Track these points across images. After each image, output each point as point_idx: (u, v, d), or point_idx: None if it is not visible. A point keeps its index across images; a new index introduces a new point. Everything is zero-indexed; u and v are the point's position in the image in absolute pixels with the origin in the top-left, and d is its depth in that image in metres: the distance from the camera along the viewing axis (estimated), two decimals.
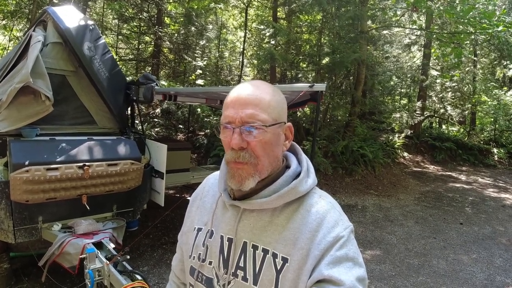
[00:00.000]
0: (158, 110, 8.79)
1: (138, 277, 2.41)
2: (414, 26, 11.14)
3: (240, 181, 0.82)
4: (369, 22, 10.47)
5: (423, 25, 11.42)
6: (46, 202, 3.11)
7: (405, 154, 11.96)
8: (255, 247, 0.83)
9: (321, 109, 11.08)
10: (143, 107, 8.66)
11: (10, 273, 3.41)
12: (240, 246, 0.85)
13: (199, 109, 8.67)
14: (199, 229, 0.95)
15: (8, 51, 11.67)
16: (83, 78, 3.63)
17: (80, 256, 2.64)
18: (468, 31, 7.75)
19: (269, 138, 0.81)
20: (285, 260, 0.79)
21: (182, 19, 10.72)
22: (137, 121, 4.69)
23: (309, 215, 0.82)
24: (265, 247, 0.81)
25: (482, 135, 14.73)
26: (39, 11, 5.04)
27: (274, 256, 0.80)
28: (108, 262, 2.52)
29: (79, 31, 3.44)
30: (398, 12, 10.80)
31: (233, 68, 13.89)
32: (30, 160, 2.92)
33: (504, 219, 6.62)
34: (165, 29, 10.64)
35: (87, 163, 3.16)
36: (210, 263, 0.88)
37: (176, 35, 10.77)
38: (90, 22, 3.64)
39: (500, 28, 5.96)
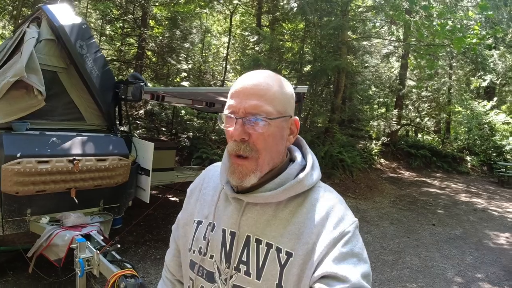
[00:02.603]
0: (141, 112, 8.83)
1: (128, 265, 2.51)
2: (393, 38, 11.64)
3: (240, 178, 0.81)
4: (349, 33, 10.88)
5: (401, 36, 11.95)
6: (35, 195, 3.17)
7: (382, 160, 12.40)
8: (258, 241, 0.81)
9: (302, 116, 11.38)
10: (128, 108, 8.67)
11: None
12: (243, 240, 0.83)
13: (183, 111, 8.78)
14: (199, 222, 0.93)
15: None
16: (73, 75, 3.70)
17: (71, 246, 2.72)
18: (444, 44, 8.21)
19: (272, 131, 0.79)
20: (289, 254, 0.78)
21: (166, 22, 10.83)
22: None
23: (314, 210, 0.81)
24: (269, 241, 0.80)
25: (456, 144, 15.40)
26: (33, 9, 5.07)
27: (278, 250, 0.79)
28: (98, 252, 2.62)
29: (73, 29, 3.54)
30: (377, 24, 11.27)
31: (216, 73, 14.05)
32: (21, 152, 2.98)
33: (475, 221, 7.00)
34: (149, 31, 10.71)
35: (77, 157, 3.25)
36: (212, 256, 0.87)
37: (160, 38, 10.85)
38: (83, 21, 3.74)
39: (474, 40, 6.39)
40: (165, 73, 11.21)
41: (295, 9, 8.50)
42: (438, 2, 10.17)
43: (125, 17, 10.58)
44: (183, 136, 9.21)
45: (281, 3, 10.09)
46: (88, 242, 2.76)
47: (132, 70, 10.89)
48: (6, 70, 3.28)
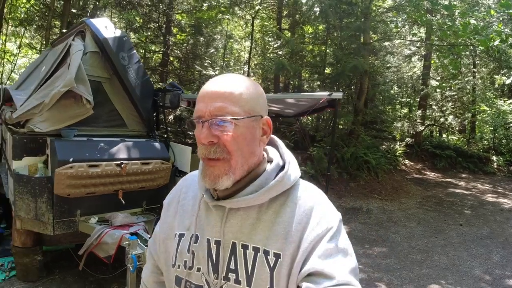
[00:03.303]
0: (171, 117, 9.12)
1: None
2: (415, 38, 11.56)
3: (213, 180, 0.79)
4: (370, 33, 10.90)
5: (423, 36, 11.86)
6: (85, 197, 3.40)
7: (406, 161, 12.29)
8: (245, 247, 0.80)
9: (324, 118, 11.46)
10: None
11: (42, 266, 3.67)
12: (229, 248, 0.81)
13: None
14: (181, 235, 0.90)
15: (18, 58, 12.00)
16: (116, 85, 3.95)
17: (123, 243, 2.93)
18: (467, 44, 8.15)
19: (241, 132, 0.78)
20: (277, 256, 0.77)
21: (189, 29, 11.12)
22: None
23: (297, 208, 0.80)
24: (255, 246, 0.79)
25: (481, 144, 15.11)
26: (76, 22, 5.37)
27: (266, 253, 0.78)
28: None
29: (115, 41, 3.78)
30: (399, 24, 11.23)
31: None
32: (74, 157, 3.22)
33: (502, 221, 6.93)
34: (173, 38, 11.03)
35: (124, 161, 3.47)
36: (199, 269, 0.84)
37: (185, 45, 11.16)
38: (123, 33, 3.98)
39: (497, 42, 6.34)
40: (189, 78, 11.52)
41: (317, 13, 8.59)
42: (460, 0, 10.08)
43: (149, 25, 10.95)
44: None
45: (303, 8, 10.19)
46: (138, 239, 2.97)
47: (157, 77, 11.25)
48: (54, 80, 3.54)
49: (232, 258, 0.80)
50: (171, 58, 11.40)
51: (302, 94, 4.11)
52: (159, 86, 7.16)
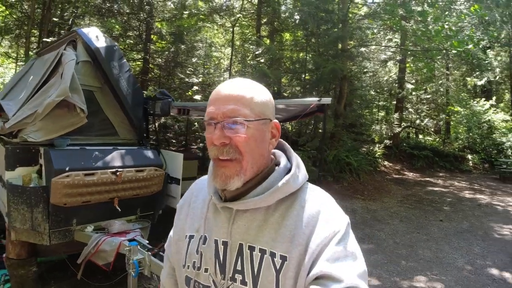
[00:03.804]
0: (155, 125, 9.09)
1: None
2: (390, 43, 12.02)
3: (224, 180, 0.81)
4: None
5: (398, 42, 12.34)
6: (80, 205, 3.41)
7: (386, 162, 12.70)
8: (251, 248, 0.80)
9: (306, 123, 11.69)
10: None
11: (37, 277, 3.64)
12: (236, 249, 0.82)
13: (196, 124, 9.05)
14: (191, 237, 0.92)
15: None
16: (107, 94, 3.98)
17: (123, 250, 2.97)
18: (441, 48, 8.58)
19: (252, 133, 0.80)
20: (284, 258, 0.77)
21: (169, 37, 11.15)
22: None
23: (304, 211, 0.81)
24: (262, 247, 0.80)
25: (457, 143, 15.79)
26: (57, 31, 5.36)
27: (272, 255, 0.78)
28: (150, 253, 2.87)
29: (107, 51, 3.82)
30: (375, 30, 11.66)
31: (218, 84, 14.32)
32: (70, 166, 3.24)
33: (480, 216, 7.32)
34: (153, 46, 11.03)
35: (119, 169, 3.51)
36: (206, 270, 0.86)
37: (166, 52, 11.19)
38: (114, 43, 4.03)
39: (470, 46, 6.73)
40: (171, 87, 11.52)
41: (297, 21, 8.84)
42: (432, 6, 10.58)
43: (129, 33, 10.91)
44: (194, 147, 9.48)
45: (283, 15, 10.44)
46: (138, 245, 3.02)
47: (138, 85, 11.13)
48: (47, 90, 3.54)
49: (239, 259, 0.81)
50: (152, 66, 11.40)
51: (292, 100, 4.27)
52: (144, 93, 7.18)
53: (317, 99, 3.22)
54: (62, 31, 8.77)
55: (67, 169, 3.21)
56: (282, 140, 0.94)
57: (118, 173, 3.48)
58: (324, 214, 0.80)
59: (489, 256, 4.94)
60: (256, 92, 0.84)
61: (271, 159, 0.90)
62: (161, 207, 4.28)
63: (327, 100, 3.26)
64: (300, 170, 0.87)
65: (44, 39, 6.36)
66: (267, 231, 0.81)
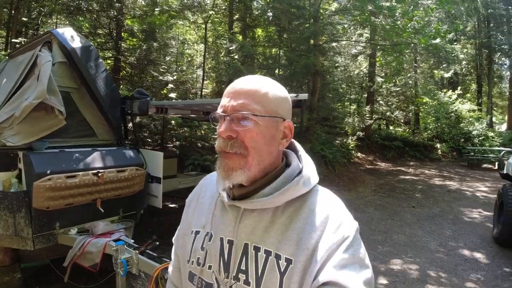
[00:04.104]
0: (130, 124, 8.98)
1: (166, 259, 2.77)
2: (361, 38, 12.36)
3: (227, 171, 0.80)
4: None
5: (368, 36, 12.71)
6: (63, 208, 3.39)
7: (359, 154, 13.12)
8: (257, 249, 0.79)
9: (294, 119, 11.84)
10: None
11: (22, 283, 3.59)
12: (241, 248, 0.81)
13: (173, 122, 9.01)
14: (197, 232, 0.91)
15: None
16: (84, 95, 3.95)
17: (109, 251, 2.99)
18: (408, 42, 8.94)
19: (261, 130, 0.79)
20: (289, 261, 0.76)
21: (140, 34, 10.95)
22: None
23: (313, 214, 0.79)
24: (267, 249, 0.78)
25: (426, 133, 16.49)
26: (25, 30, 5.17)
27: (278, 257, 0.77)
28: (137, 252, 2.91)
29: (83, 51, 3.79)
30: (345, 26, 11.96)
31: (191, 81, 14.30)
32: (51, 169, 3.22)
33: (450, 201, 7.77)
34: (125, 44, 10.83)
35: (100, 170, 3.51)
36: (210, 267, 0.84)
37: (138, 50, 11.00)
38: (90, 43, 3.99)
39: (438, 40, 7.06)
40: (144, 85, 11.35)
41: (270, 18, 8.95)
42: (401, 1, 10.97)
43: (99, 31, 10.66)
44: (170, 145, 9.43)
45: (255, 12, 10.52)
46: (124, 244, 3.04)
47: (114, 85, 10.89)
48: (23, 92, 3.47)
49: (244, 259, 0.80)
50: (123, 64, 11.19)
51: None
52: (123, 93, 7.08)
53: (295, 95, 3.33)
54: (31, 31, 8.48)
55: (48, 172, 3.19)
56: (294, 140, 0.93)
57: (100, 174, 3.48)
58: (333, 219, 0.78)
59: (460, 238, 5.28)
60: (271, 88, 0.84)
61: (282, 159, 0.89)
62: (143, 206, 4.29)
63: (304, 96, 3.39)
64: (311, 172, 0.85)
65: (13, 40, 6.14)
66: (274, 233, 0.79)
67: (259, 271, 0.77)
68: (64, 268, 3.31)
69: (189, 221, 0.97)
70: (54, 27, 10.52)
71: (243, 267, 0.80)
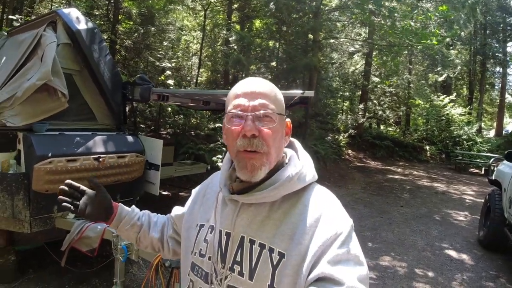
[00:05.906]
0: (133, 110, 8.89)
1: None
2: (359, 37, 12.41)
3: (252, 171, 0.83)
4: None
5: (366, 35, 12.78)
6: None
7: (350, 151, 13.27)
8: (252, 242, 0.82)
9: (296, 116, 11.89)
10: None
11: (16, 266, 3.54)
12: (237, 241, 0.85)
13: (169, 108, 8.95)
14: (201, 225, 0.96)
15: None
16: (86, 77, 3.89)
17: (112, 235, 2.99)
18: (405, 44, 9.03)
19: (277, 128, 0.84)
20: (281, 255, 0.78)
21: (137, 18, 10.74)
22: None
23: (307, 210, 0.82)
24: (262, 242, 0.81)
25: (416, 134, 16.76)
26: (22, 8, 5.01)
27: (271, 251, 0.79)
28: None
29: (88, 33, 3.72)
30: (345, 23, 11.98)
31: (187, 68, 14.15)
32: (52, 152, 3.19)
33: (437, 202, 7.95)
34: (121, 27, 10.62)
35: (101, 155, 3.49)
36: (210, 258, 0.89)
37: (135, 34, 10.81)
38: (95, 25, 3.93)
39: (434, 41, 7.16)
40: (139, 69, 11.17)
41: (273, 10, 8.90)
42: (400, 2, 11.04)
43: (95, 12, 10.42)
44: (163, 132, 9.37)
45: (256, 2, 10.44)
46: None
47: (117, 69, 10.69)
48: (25, 72, 3.40)
49: (239, 251, 0.84)
50: (119, 47, 10.99)
51: None
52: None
53: (301, 91, 3.37)
54: (27, 9, 8.22)
55: (49, 155, 3.17)
56: (293, 138, 0.98)
57: (101, 159, 3.47)
58: (327, 215, 0.81)
59: (446, 239, 5.43)
60: (276, 90, 0.90)
61: (282, 156, 0.92)
62: (140, 193, 4.30)
63: (310, 93, 3.42)
64: (308, 169, 0.89)
65: (11, 16, 5.97)
66: (269, 227, 0.82)
67: (253, 264, 0.81)
68: (59, 252, 3.30)
69: (195, 215, 1.01)
70: (50, 5, 10.28)
71: (238, 259, 0.83)
